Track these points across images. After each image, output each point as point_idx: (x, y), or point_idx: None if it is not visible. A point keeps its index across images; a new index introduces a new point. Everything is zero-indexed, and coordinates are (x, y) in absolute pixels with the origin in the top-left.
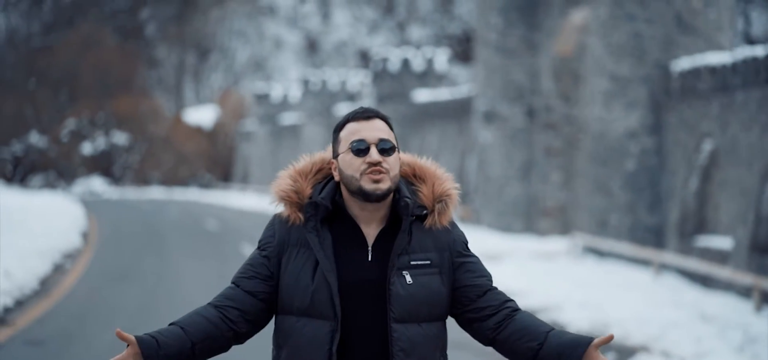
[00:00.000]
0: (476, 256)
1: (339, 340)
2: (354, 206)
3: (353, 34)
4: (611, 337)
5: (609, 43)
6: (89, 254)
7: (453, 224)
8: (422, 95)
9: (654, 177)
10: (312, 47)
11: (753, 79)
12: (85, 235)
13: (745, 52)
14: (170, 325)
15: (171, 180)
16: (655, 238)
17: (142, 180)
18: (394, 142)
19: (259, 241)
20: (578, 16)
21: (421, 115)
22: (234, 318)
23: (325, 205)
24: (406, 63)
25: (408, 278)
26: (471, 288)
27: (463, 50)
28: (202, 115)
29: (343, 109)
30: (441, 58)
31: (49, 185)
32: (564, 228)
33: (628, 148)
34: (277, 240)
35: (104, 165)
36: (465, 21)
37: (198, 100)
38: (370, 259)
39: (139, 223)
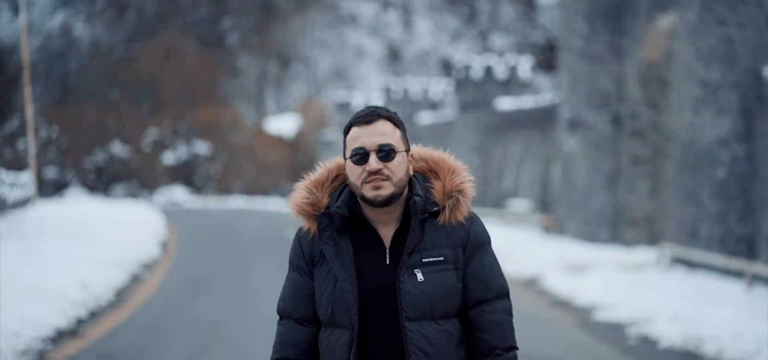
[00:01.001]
0: (489, 259)
1: (360, 346)
2: (367, 210)
3: (435, 42)
4: None
5: (698, 48)
6: (167, 264)
7: (472, 220)
8: (505, 103)
9: (745, 185)
10: (394, 56)
11: None
12: (164, 245)
13: None
14: None
15: (252, 189)
16: (747, 249)
17: (224, 189)
18: (398, 144)
19: (291, 259)
20: (665, 22)
21: (504, 123)
22: (310, 355)
23: (340, 214)
24: (489, 71)
25: (419, 276)
26: (467, 290)
27: (547, 59)
28: (283, 125)
29: (425, 117)
30: (524, 66)
31: (132, 195)
32: (651, 238)
33: (719, 155)
34: (306, 254)
35: (186, 174)
36: (548, 29)
37: (279, 110)
38: (388, 261)
39: (219, 233)
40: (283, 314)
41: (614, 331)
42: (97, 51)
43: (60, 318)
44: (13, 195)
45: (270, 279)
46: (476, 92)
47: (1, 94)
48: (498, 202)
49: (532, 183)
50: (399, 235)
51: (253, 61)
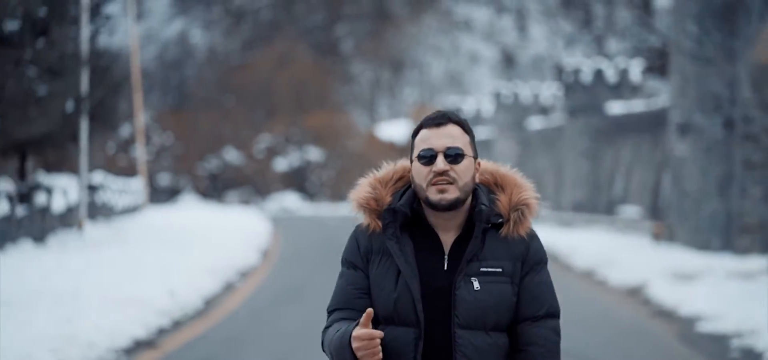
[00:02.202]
0: (544, 277)
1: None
2: (430, 214)
3: (550, 48)
4: None
5: None
6: (264, 272)
7: (532, 236)
8: (616, 107)
9: None
10: (508, 61)
11: None
12: (265, 253)
13: None
14: None
15: None
16: None
17: (336, 196)
18: (466, 148)
19: (344, 258)
20: None
21: (614, 127)
22: None
23: (403, 212)
24: (599, 74)
25: (476, 284)
26: (519, 306)
27: (663, 64)
28: (394, 130)
29: (535, 122)
30: (635, 69)
31: (245, 201)
32: (765, 246)
33: None
34: (362, 250)
35: (298, 181)
36: (665, 34)
37: (392, 115)
38: (446, 266)
39: (324, 241)
40: (331, 310)
41: (716, 344)
42: (213, 58)
43: (140, 328)
44: (121, 202)
45: None
46: (586, 96)
47: (117, 100)
48: (608, 208)
49: (643, 189)
50: (459, 242)
51: (366, 67)
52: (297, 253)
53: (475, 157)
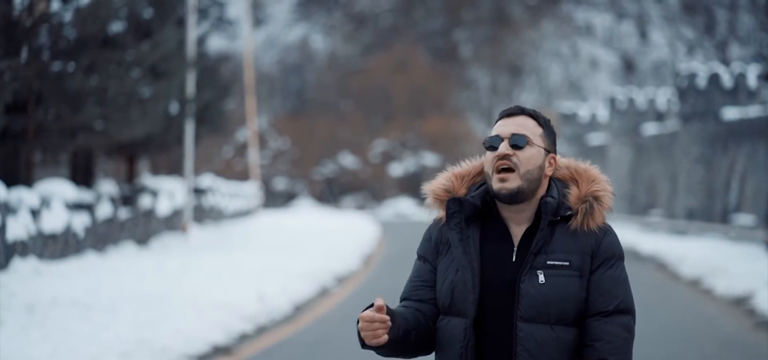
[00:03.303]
0: (617, 273)
1: (476, 339)
2: (501, 206)
3: (671, 54)
4: None
5: None
6: (362, 278)
7: (606, 231)
8: (731, 113)
9: None
10: (628, 67)
11: None
12: (368, 258)
13: None
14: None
15: None
16: None
17: None
18: (534, 138)
19: (419, 252)
20: None
21: (729, 133)
22: (423, 311)
23: (472, 203)
24: (714, 79)
25: (541, 278)
26: (589, 301)
27: None
28: None
29: (650, 128)
30: (752, 74)
31: (359, 206)
32: None
33: None
34: (433, 242)
35: (413, 186)
36: None
37: None
38: (514, 259)
39: None
40: (401, 299)
41: None
42: (333, 63)
43: (220, 333)
44: (232, 205)
45: None
46: (700, 101)
47: (226, 103)
48: (723, 216)
49: (758, 196)
50: (529, 235)
51: (484, 72)
52: (399, 259)
53: (548, 151)
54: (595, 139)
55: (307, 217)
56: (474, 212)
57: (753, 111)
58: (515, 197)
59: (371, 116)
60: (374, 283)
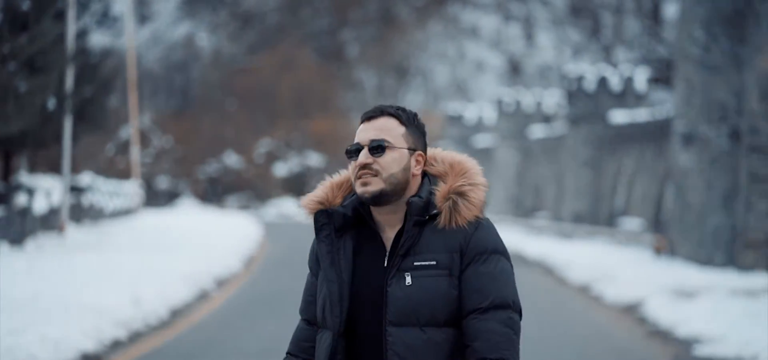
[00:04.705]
0: (491, 266)
1: (347, 350)
2: (373, 211)
3: (557, 56)
4: None
5: None
6: (243, 280)
7: (477, 226)
8: (619, 116)
9: None
10: (515, 70)
11: None
12: (249, 260)
13: None
14: None
15: None
16: None
17: None
18: (395, 140)
19: (308, 262)
20: None
21: (618, 137)
22: (313, 356)
23: (341, 213)
24: (602, 82)
25: (408, 280)
26: (462, 299)
27: (669, 75)
28: None
29: (537, 131)
30: (640, 77)
31: (243, 206)
32: None
33: None
34: (314, 255)
35: (298, 186)
36: (673, 44)
37: None
38: (386, 263)
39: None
40: (300, 313)
41: None
42: (218, 61)
43: (91, 340)
44: (112, 204)
45: None
46: (589, 104)
47: (108, 100)
48: (609, 220)
49: (645, 201)
50: (399, 238)
51: (371, 72)
52: (283, 262)
53: (414, 150)
54: (482, 141)
55: (189, 216)
56: (345, 222)
57: (641, 114)
58: (379, 199)
59: (256, 115)
60: (255, 286)
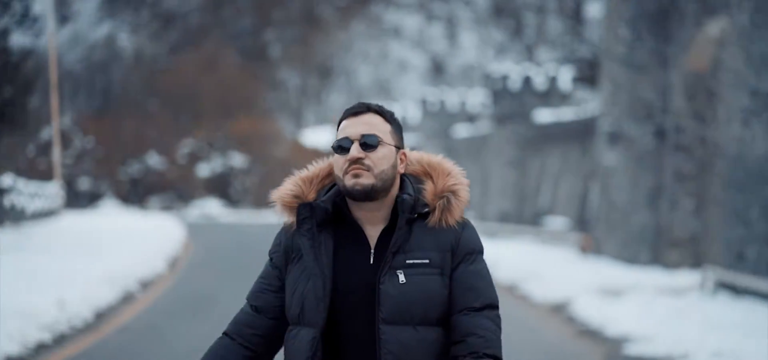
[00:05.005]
0: (479, 266)
1: (329, 348)
2: (354, 208)
3: (480, 56)
4: None
5: (750, 54)
6: (169, 282)
7: (464, 225)
8: (544, 115)
9: None
10: (437, 70)
11: None
12: (174, 261)
13: None
14: None
15: None
16: None
17: (260, 203)
18: (384, 136)
19: (269, 253)
20: (714, 28)
21: (542, 136)
22: (256, 347)
23: (323, 208)
24: (527, 81)
25: (401, 277)
26: (454, 298)
27: (592, 74)
28: (320, 137)
29: (461, 130)
30: (565, 77)
31: (166, 207)
32: (695, 260)
33: None
34: (283, 248)
35: (221, 187)
36: (595, 44)
37: (318, 122)
38: (371, 261)
39: (239, 249)
40: (248, 298)
41: None
42: (140, 62)
43: (15, 344)
44: (33, 206)
45: None
46: (514, 103)
47: (28, 101)
48: (535, 219)
49: (570, 200)
50: (385, 236)
51: (294, 73)
52: (208, 263)
53: (399, 148)
54: (406, 140)
55: (111, 218)
56: (325, 217)
57: (565, 114)
58: (369, 194)
59: (179, 116)
60: (181, 287)
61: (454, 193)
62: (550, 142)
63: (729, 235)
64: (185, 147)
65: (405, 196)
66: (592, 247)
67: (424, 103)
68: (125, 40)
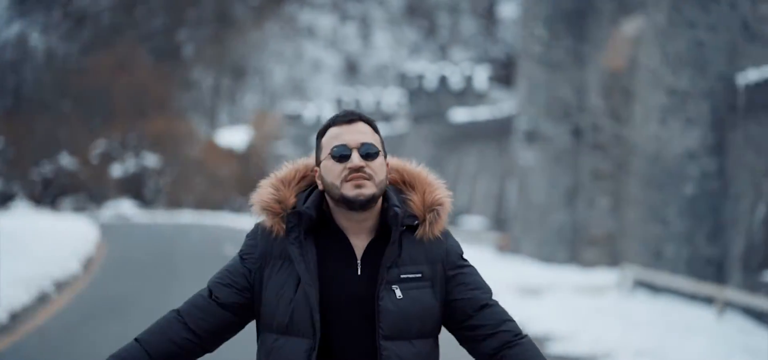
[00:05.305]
0: (473, 268)
1: (321, 358)
2: (340, 216)
3: (394, 56)
4: None
5: (666, 53)
6: (84, 283)
7: (446, 234)
8: (460, 115)
9: (715, 203)
10: (351, 69)
11: None
12: (89, 261)
13: None
14: (136, 340)
15: (204, 204)
16: (716, 272)
17: (174, 203)
18: (379, 146)
19: (241, 251)
20: (630, 26)
21: (459, 135)
22: (202, 334)
23: (309, 215)
24: (443, 81)
25: (398, 293)
26: (465, 302)
27: (506, 74)
28: (234, 137)
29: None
30: (481, 76)
31: (80, 208)
32: (612, 259)
33: (687, 170)
34: (260, 251)
35: (135, 187)
36: (508, 44)
37: (232, 122)
38: (359, 272)
39: (154, 249)
40: (208, 285)
41: None
42: (51, 62)
43: None
44: None
45: None
46: (430, 103)
47: None
48: (452, 218)
49: (488, 199)
50: (372, 247)
51: (207, 73)
52: (124, 263)
53: (385, 156)
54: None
55: (23, 219)
56: (310, 224)
57: (481, 113)
58: (368, 203)
59: (91, 116)
60: (96, 288)
61: (442, 205)
62: (466, 142)
63: (646, 234)
64: (98, 147)
65: (396, 208)
66: (509, 246)
67: (339, 102)
68: (37, 40)
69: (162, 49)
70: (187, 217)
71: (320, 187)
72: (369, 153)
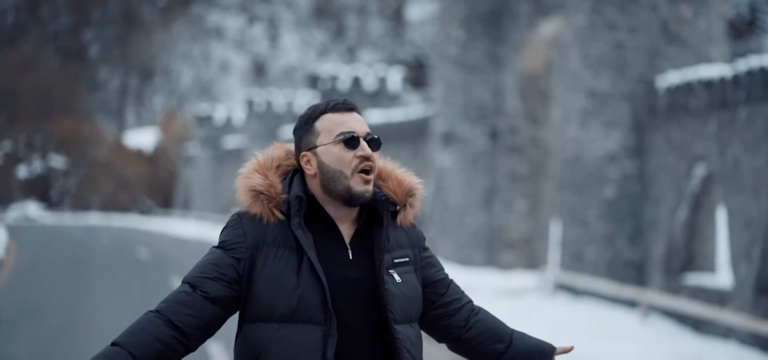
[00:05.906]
0: (430, 249)
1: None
2: (328, 204)
3: (302, 57)
4: (572, 348)
5: (586, 55)
6: None
7: (416, 219)
8: (374, 116)
9: (636, 206)
10: (259, 71)
11: (761, 93)
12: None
13: (751, 62)
14: (113, 344)
15: (111, 206)
16: (636, 274)
17: (81, 205)
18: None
19: (224, 242)
20: (548, 28)
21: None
22: (189, 331)
23: (305, 200)
24: (356, 82)
25: (397, 277)
26: (439, 283)
27: (416, 76)
28: (143, 139)
29: (289, 132)
30: (394, 78)
31: None
32: (529, 261)
33: (607, 172)
34: (250, 240)
35: (41, 189)
36: (417, 46)
37: (140, 123)
38: (351, 256)
39: (65, 252)
40: (190, 281)
41: None
42: None
43: None
44: None
45: (112, 300)
46: None
47: None
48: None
49: None
50: (359, 233)
51: (114, 73)
52: (35, 266)
53: None
54: (232, 141)
55: None
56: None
57: (395, 114)
58: (368, 200)
59: None
60: (10, 292)
61: (417, 191)
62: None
63: (566, 237)
64: (3, 148)
65: (383, 196)
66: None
67: (250, 104)
68: None
69: (68, 49)
70: (95, 218)
71: (310, 172)
72: (374, 142)
